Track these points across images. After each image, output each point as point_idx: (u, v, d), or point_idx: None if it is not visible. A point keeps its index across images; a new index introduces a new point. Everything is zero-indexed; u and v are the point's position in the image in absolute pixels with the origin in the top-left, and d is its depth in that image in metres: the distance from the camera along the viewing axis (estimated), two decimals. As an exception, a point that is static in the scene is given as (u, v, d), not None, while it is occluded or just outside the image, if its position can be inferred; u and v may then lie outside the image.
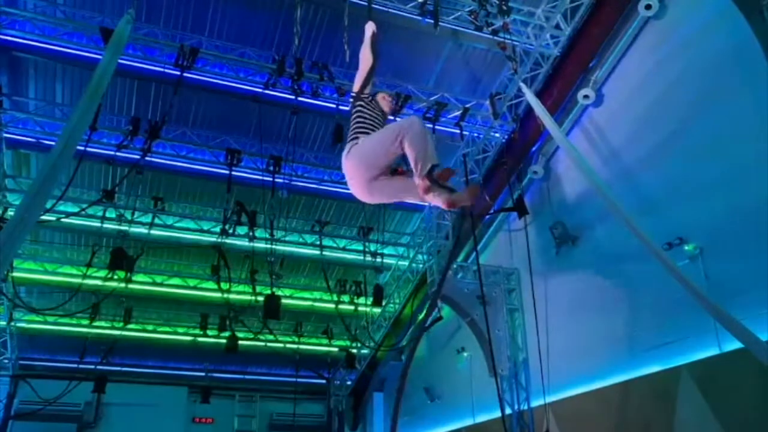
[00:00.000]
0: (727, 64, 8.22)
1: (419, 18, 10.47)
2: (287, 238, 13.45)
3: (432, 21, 10.05)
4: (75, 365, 14.55)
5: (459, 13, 10.75)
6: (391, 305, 15.39)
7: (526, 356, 11.50)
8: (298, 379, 16.14)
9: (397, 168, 4.43)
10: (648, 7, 9.34)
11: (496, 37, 10.63)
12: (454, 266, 12.49)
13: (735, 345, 7.10)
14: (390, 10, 10.55)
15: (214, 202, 13.00)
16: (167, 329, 15.89)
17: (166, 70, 10.39)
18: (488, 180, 12.34)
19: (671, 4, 9.37)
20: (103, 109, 10.15)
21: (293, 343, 15.56)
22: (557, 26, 10.58)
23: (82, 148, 8.93)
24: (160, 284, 14.84)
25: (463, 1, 10.67)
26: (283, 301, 12.63)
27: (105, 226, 12.08)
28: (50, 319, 14.11)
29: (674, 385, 8.10)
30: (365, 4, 10.23)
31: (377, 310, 15.27)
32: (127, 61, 10.31)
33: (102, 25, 9.48)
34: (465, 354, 12.80)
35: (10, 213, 11.24)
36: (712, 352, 7.72)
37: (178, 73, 10.10)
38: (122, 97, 11.40)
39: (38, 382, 14.43)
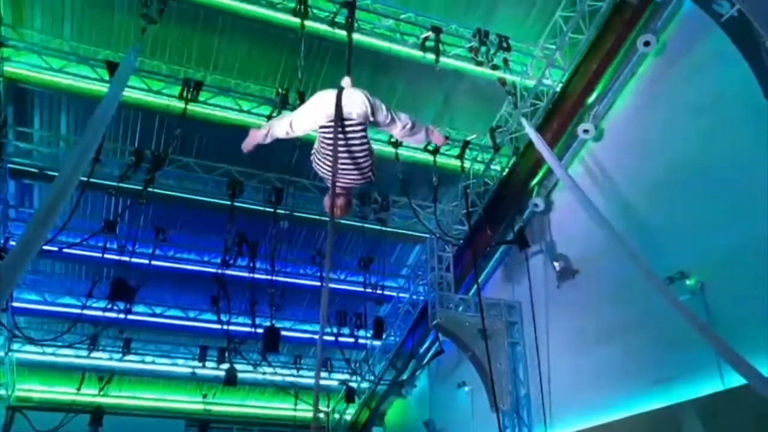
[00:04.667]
0: (726, 100, 8.28)
1: (420, 53, 10.67)
2: (288, 269, 13.43)
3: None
4: (72, 397, 14.43)
5: (459, 50, 10.94)
6: (392, 338, 15.29)
7: (528, 391, 11.39)
8: (297, 413, 15.97)
9: None
10: (647, 44, 9.47)
11: (496, 73, 10.80)
12: (456, 299, 12.45)
13: (738, 381, 7.03)
14: (392, 45, 10.75)
15: (215, 233, 12.98)
16: (166, 361, 15.76)
17: (171, 103, 10.52)
18: (489, 212, 12.37)
19: (670, 41, 9.50)
20: (106, 139, 10.23)
21: (292, 376, 15.45)
22: (556, 62, 10.71)
23: (84, 178, 8.99)
24: (160, 315, 14.75)
25: (464, 36, 10.87)
26: (283, 333, 12.56)
27: (106, 256, 12.06)
28: (48, 349, 14.01)
29: (677, 421, 8.00)
30: (368, 40, 10.51)
31: (377, 342, 15.18)
32: (132, 94, 10.43)
33: (108, 58, 9.61)
34: (466, 388, 12.66)
35: (12, 243, 11.27)
36: (715, 388, 7.64)
37: (182, 105, 10.21)
38: (126, 128, 11.48)
39: (34, 413, 14.27)
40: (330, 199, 4.27)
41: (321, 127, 4.20)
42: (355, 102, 4.16)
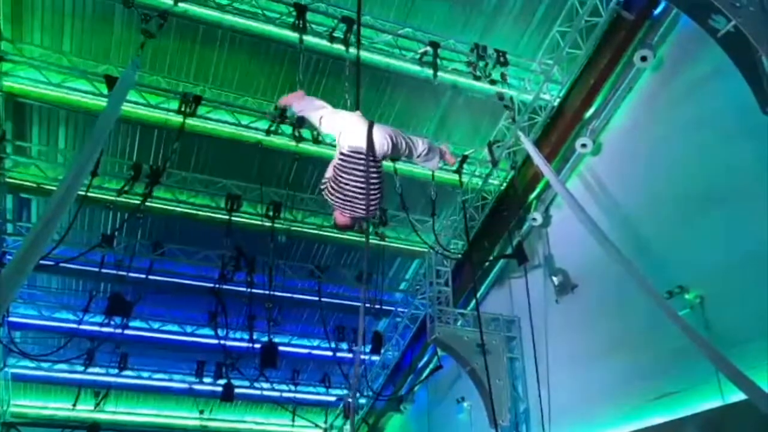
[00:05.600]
0: (724, 114, 8.29)
1: (418, 68, 10.72)
2: (286, 283, 13.39)
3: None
4: (68, 412, 14.32)
5: (457, 64, 10.99)
6: (390, 353, 15.22)
7: (527, 406, 11.31)
8: (294, 429, 15.89)
9: None
10: (644, 59, 9.49)
11: (494, 87, 10.84)
12: (454, 314, 12.41)
13: (739, 396, 7.00)
14: (390, 60, 10.80)
15: (213, 247, 12.95)
16: (162, 376, 15.66)
17: (169, 117, 10.54)
18: (488, 227, 12.36)
19: (667, 56, 9.53)
20: (104, 153, 10.23)
21: (290, 391, 15.35)
22: (554, 76, 10.75)
23: (82, 192, 8.97)
24: (157, 330, 14.69)
25: (462, 51, 10.92)
26: (281, 348, 12.49)
27: (103, 271, 12.01)
28: (44, 365, 13.93)
29: (678, 437, 7.96)
30: (367, 55, 10.55)
31: (376, 357, 15.10)
32: (131, 108, 10.44)
33: (107, 73, 9.63)
34: (465, 404, 12.57)
35: (9, 257, 11.23)
36: (715, 403, 7.59)
37: (181, 119, 10.23)
38: (124, 142, 11.48)
39: (30, 429, 14.17)
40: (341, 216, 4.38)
41: (341, 154, 4.21)
42: (380, 143, 4.21)
